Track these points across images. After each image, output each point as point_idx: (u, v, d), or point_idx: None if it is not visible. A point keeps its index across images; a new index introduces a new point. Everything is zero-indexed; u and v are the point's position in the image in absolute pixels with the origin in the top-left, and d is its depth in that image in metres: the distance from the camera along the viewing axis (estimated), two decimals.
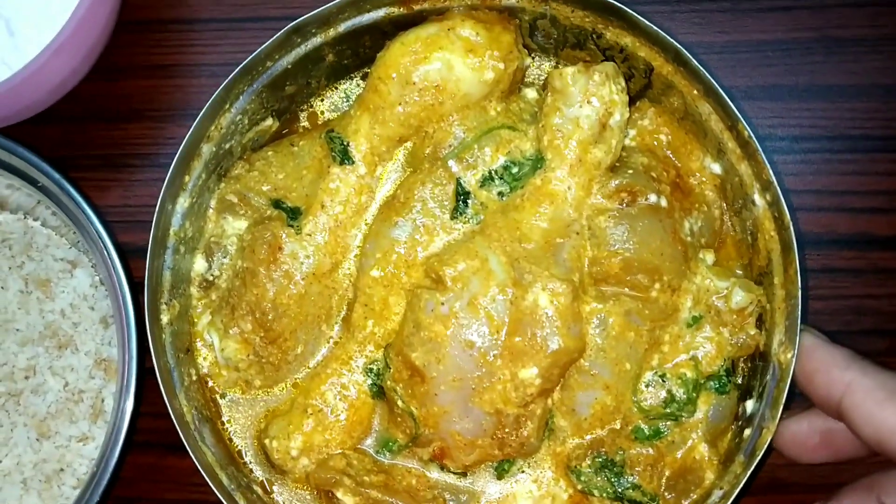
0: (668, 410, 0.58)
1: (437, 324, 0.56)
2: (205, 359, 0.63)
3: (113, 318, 0.64)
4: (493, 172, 0.60)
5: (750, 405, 0.59)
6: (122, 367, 0.57)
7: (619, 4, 0.59)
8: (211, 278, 0.63)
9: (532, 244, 0.58)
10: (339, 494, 0.58)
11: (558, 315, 0.55)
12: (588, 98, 0.58)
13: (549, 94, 0.59)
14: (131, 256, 0.64)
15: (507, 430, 0.57)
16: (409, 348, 0.56)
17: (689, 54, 0.58)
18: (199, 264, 0.63)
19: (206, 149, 0.62)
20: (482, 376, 0.55)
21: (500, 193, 0.60)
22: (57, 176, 0.58)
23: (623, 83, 0.59)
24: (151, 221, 0.59)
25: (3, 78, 0.61)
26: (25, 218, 0.66)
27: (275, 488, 0.62)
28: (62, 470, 0.61)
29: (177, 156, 0.59)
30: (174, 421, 0.56)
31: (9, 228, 0.66)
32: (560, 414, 0.59)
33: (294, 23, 0.60)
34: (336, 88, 0.67)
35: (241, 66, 0.60)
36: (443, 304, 0.55)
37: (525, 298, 0.56)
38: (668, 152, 0.63)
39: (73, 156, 0.71)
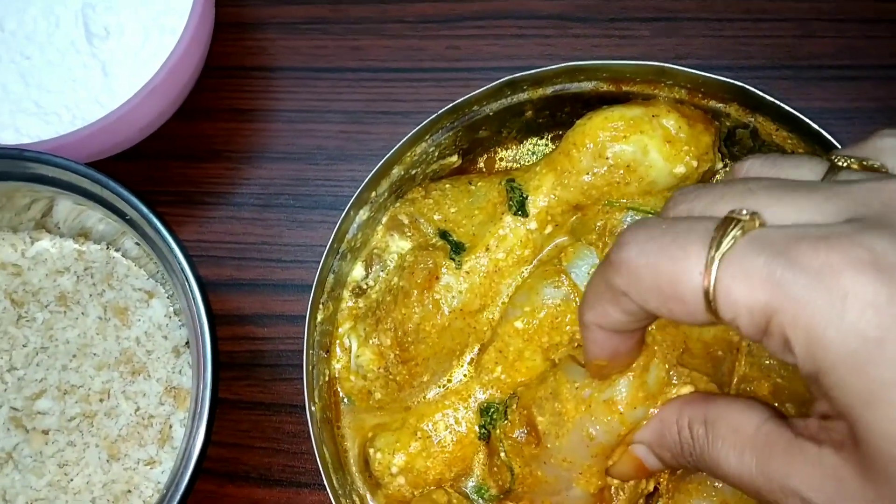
0: None
1: (572, 402, 0.55)
2: (338, 361, 0.63)
3: (184, 348, 0.66)
4: None
5: None
6: (196, 394, 0.58)
7: (831, 137, 0.58)
8: (364, 286, 0.64)
9: (695, 359, 0.56)
10: None
11: None
12: None
13: None
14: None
15: None
16: (538, 410, 0.55)
17: None
18: (357, 271, 0.64)
19: (396, 171, 0.63)
20: (593, 464, 0.54)
21: None
22: (145, 209, 0.60)
23: None
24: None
25: (99, 117, 0.65)
26: (108, 248, 0.69)
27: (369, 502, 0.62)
28: (129, 491, 0.63)
29: (371, 173, 0.61)
30: (308, 417, 0.57)
31: (92, 258, 0.69)
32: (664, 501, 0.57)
33: (510, 77, 0.62)
34: (523, 142, 0.68)
35: (452, 105, 0.62)
36: (586, 388, 0.55)
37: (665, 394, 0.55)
38: None
39: (152, 191, 0.74)
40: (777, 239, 0.36)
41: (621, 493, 0.56)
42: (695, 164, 0.60)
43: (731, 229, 0.37)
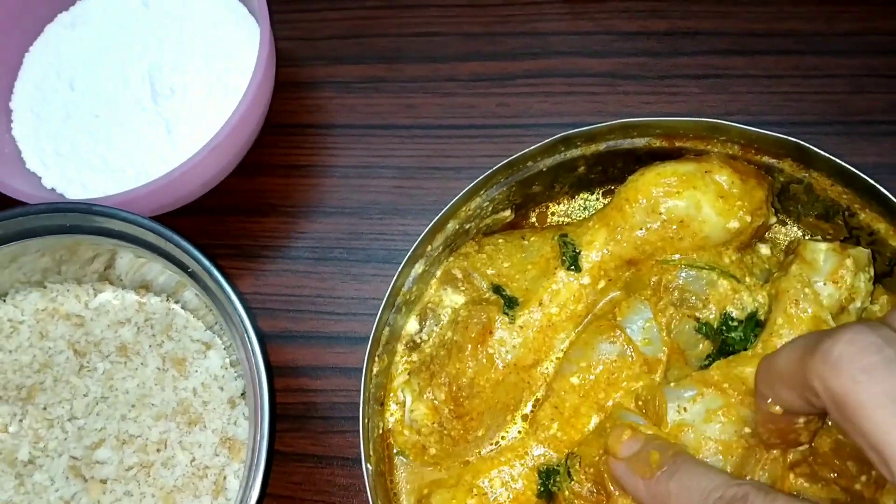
0: None
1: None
2: (391, 415, 0.63)
3: (239, 399, 0.67)
4: (728, 318, 0.58)
5: None
6: (252, 445, 0.58)
7: (885, 191, 0.57)
8: (418, 340, 0.64)
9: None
10: None
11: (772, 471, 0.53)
12: (835, 278, 0.56)
13: (797, 262, 0.57)
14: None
15: None
16: (606, 467, 0.54)
17: None
18: (411, 325, 0.64)
19: (451, 225, 0.63)
20: None
21: (732, 343, 0.58)
22: (206, 261, 0.61)
23: (872, 272, 0.57)
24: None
25: (162, 173, 0.67)
26: (168, 300, 0.70)
27: None
28: None
29: (428, 227, 0.61)
30: (364, 470, 0.57)
31: (152, 309, 0.70)
32: None
33: (565, 133, 0.62)
34: (575, 197, 0.68)
35: (507, 161, 0.62)
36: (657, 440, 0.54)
37: None
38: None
39: (210, 244, 0.75)
40: None
41: None
42: (748, 219, 0.59)
43: None
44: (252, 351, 0.59)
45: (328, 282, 0.74)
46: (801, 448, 0.54)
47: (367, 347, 0.60)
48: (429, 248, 0.63)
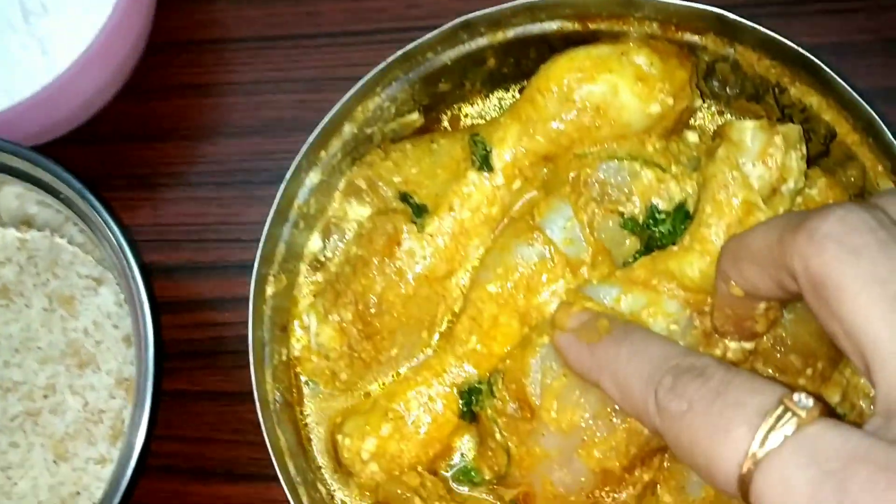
0: None
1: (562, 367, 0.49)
2: (298, 341, 0.58)
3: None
4: (655, 210, 0.53)
5: None
6: (138, 386, 0.53)
7: (816, 59, 0.52)
8: (323, 259, 0.59)
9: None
10: None
11: None
12: (764, 158, 0.51)
13: (723, 144, 0.52)
14: (160, 275, 0.64)
15: (606, 489, 0.49)
16: (527, 379, 0.50)
17: (883, 125, 0.51)
18: (314, 242, 0.59)
19: (348, 129, 0.57)
20: (597, 429, 0.49)
21: (660, 237, 0.53)
22: (82, 188, 0.56)
23: (805, 150, 0.52)
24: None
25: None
26: (52, 235, 0.64)
27: (338, 493, 0.56)
28: (78, 493, 0.58)
29: (316, 130, 0.55)
30: (255, 396, 0.52)
31: (35, 246, 0.64)
32: (667, 488, 0.51)
33: (464, 18, 0.56)
34: (489, 96, 0.62)
35: (401, 52, 0.56)
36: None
37: None
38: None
39: (104, 175, 0.69)
40: (833, 451, 0.32)
41: (630, 489, 0.50)
42: (670, 101, 0.54)
43: (784, 421, 0.33)
44: (135, 284, 0.53)
45: (233, 207, 0.68)
46: (745, 346, 0.50)
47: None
48: (323, 154, 0.57)
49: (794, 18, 0.67)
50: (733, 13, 0.55)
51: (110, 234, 0.55)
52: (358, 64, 0.70)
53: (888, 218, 0.36)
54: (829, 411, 0.34)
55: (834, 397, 0.50)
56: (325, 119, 0.55)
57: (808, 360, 0.49)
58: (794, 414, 0.33)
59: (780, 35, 0.55)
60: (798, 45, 0.53)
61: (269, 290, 0.55)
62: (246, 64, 0.71)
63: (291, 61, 0.71)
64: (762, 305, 0.45)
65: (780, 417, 0.33)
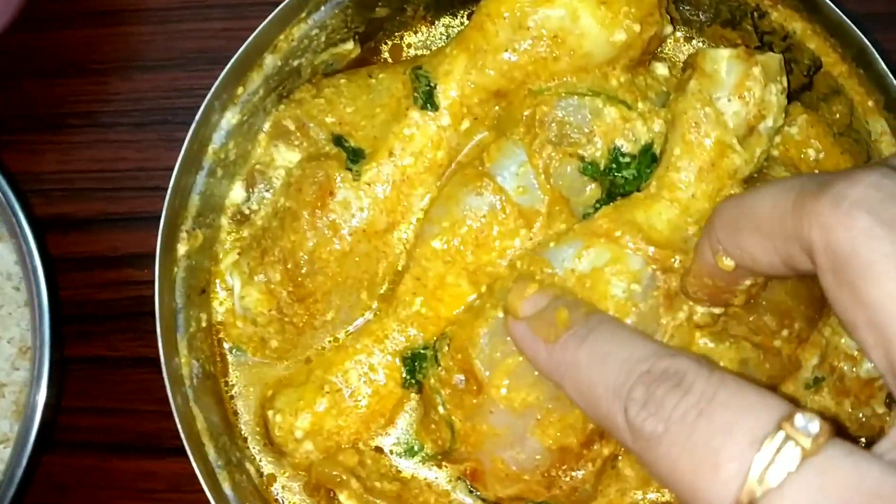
0: None
1: None
2: (221, 304, 0.52)
3: None
4: (618, 153, 0.47)
5: None
6: (35, 354, 0.48)
7: None
8: (247, 211, 0.52)
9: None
10: (341, 497, 0.47)
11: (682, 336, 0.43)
12: (741, 92, 0.45)
13: (695, 76, 0.46)
14: (71, 229, 0.58)
15: (563, 467, 0.44)
16: (475, 351, 0.44)
17: (877, 54, 0.45)
18: (236, 193, 0.52)
19: (270, 60, 0.50)
20: (554, 408, 0.43)
21: (624, 184, 0.47)
22: None
23: (786, 83, 0.46)
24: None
25: None
26: None
27: (269, 472, 0.51)
28: None
29: (231, 61, 0.48)
30: (163, 370, 0.45)
31: None
32: (628, 461, 0.46)
33: None
34: (435, 23, 0.55)
35: None
36: None
37: None
38: (816, 172, 0.50)
39: (4, 117, 0.62)
40: (848, 489, 0.26)
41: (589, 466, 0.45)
42: (637, 28, 0.48)
43: (785, 452, 0.27)
44: (25, 241, 0.47)
45: (150, 151, 0.62)
46: (714, 310, 0.45)
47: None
48: (241, 90, 0.49)
49: None
50: None
51: None
52: None
53: None
54: (837, 429, 0.28)
55: (812, 360, 0.46)
56: (240, 50, 0.47)
57: (784, 320, 0.44)
58: (797, 442, 0.27)
59: None
60: None
61: (182, 249, 0.48)
62: None
63: None
64: (748, 281, 0.39)
65: (779, 448, 0.27)
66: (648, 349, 0.34)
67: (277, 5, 0.61)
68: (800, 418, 0.28)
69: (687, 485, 0.29)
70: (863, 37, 0.45)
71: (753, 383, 0.32)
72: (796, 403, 0.34)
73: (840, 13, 0.45)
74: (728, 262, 0.37)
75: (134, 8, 0.64)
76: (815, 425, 0.28)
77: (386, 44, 0.55)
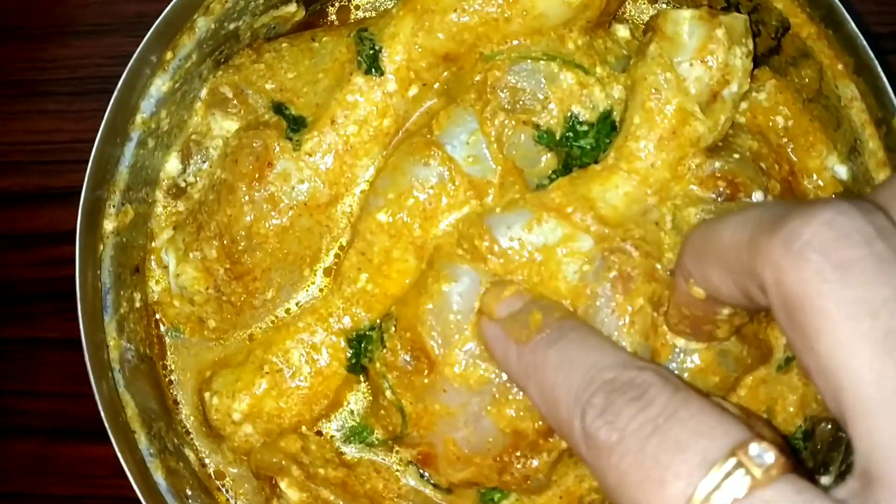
0: None
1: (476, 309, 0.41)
2: (157, 283, 0.49)
3: None
4: (575, 121, 0.45)
5: (824, 482, 0.44)
6: None
7: None
8: (183, 184, 0.49)
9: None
10: (282, 485, 0.45)
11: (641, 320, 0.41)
12: (703, 56, 0.42)
13: (655, 39, 0.43)
14: (6, 205, 0.56)
15: (516, 453, 0.42)
16: (424, 328, 0.42)
17: (847, 14, 0.42)
18: (171, 165, 0.49)
19: (203, 23, 0.47)
20: (512, 386, 0.41)
21: (581, 154, 0.45)
22: None
23: (751, 46, 0.44)
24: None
25: None
26: None
27: (210, 459, 0.48)
28: None
29: (156, 23, 0.44)
30: (86, 354, 0.43)
31: None
32: None
33: None
34: None
35: None
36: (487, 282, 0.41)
37: None
38: (785, 140, 0.47)
39: None
40: None
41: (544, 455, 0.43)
42: None
43: (734, 479, 0.26)
44: None
45: (89, 121, 0.58)
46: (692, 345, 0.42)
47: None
48: (171, 55, 0.46)
49: None
50: None
51: None
52: None
53: (890, 222, 0.28)
54: (793, 465, 0.27)
55: (782, 340, 0.43)
56: (164, 12, 0.44)
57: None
58: (748, 470, 0.26)
59: None
60: None
61: (109, 226, 0.46)
62: None
63: None
64: (726, 311, 0.37)
65: (729, 473, 0.26)
66: (616, 359, 0.33)
67: None
68: (754, 447, 0.27)
69: (632, 498, 0.28)
70: None
71: (714, 400, 0.32)
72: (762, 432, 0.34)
73: None
74: (698, 291, 0.36)
75: None
76: (769, 456, 0.26)
77: (332, 5, 0.52)
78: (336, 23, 0.52)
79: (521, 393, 0.41)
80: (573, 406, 0.32)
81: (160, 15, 0.58)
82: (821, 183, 0.47)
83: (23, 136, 0.59)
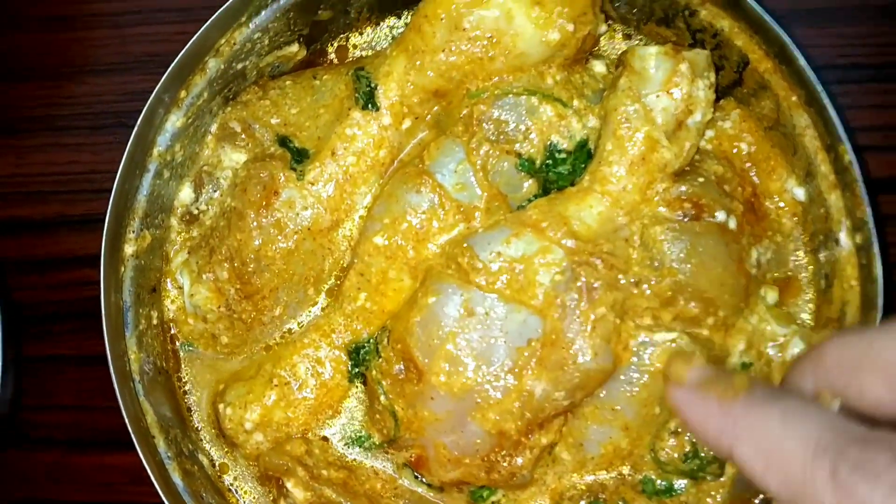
0: (687, 467, 0.47)
1: (459, 322, 0.46)
2: (172, 302, 0.53)
3: None
4: (554, 150, 0.49)
5: None
6: None
7: None
8: (196, 212, 0.53)
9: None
10: (288, 485, 0.49)
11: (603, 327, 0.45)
12: (669, 88, 0.47)
13: (625, 74, 0.48)
14: (27, 231, 0.60)
15: (502, 452, 0.46)
16: (413, 340, 0.46)
17: (797, 51, 0.47)
18: (185, 194, 0.53)
19: (213, 64, 0.51)
20: (493, 391, 0.45)
21: (558, 178, 0.49)
22: None
23: (713, 78, 0.48)
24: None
25: None
26: None
27: (221, 461, 0.52)
28: None
29: (171, 65, 0.49)
30: (111, 367, 0.47)
31: None
32: (565, 445, 0.48)
33: None
34: (379, 24, 0.57)
35: None
36: (472, 301, 0.45)
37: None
38: (748, 164, 0.52)
39: None
40: None
41: (527, 453, 0.47)
42: (570, 27, 0.49)
43: None
44: None
45: (105, 154, 0.63)
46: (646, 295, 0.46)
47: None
48: (184, 94, 0.51)
49: None
50: None
51: None
52: None
53: None
54: None
55: (738, 345, 0.47)
56: (179, 55, 0.49)
57: (709, 308, 0.46)
58: None
59: None
60: None
61: (129, 250, 0.50)
62: None
63: None
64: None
65: None
66: (846, 421, 0.32)
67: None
68: None
69: None
70: (783, 34, 0.47)
71: None
72: None
73: (761, 11, 0.47)
74: (834, 403, 0.36)
75: (86, 13, 0.64)
76: None
77: (332, 45, 0.57)
78: (335, 61, 0.57)
79: (500, 397, 0.45)
80: (815, 458, 0.31)
81: (168, 54, 0.63)
82: (781, 204, 0.51)
83: (43, 168, 0.62)
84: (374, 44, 0.57)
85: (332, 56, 0.57)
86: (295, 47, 0.55)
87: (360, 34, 0.57)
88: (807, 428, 0.32)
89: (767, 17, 0.47)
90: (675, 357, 0.40)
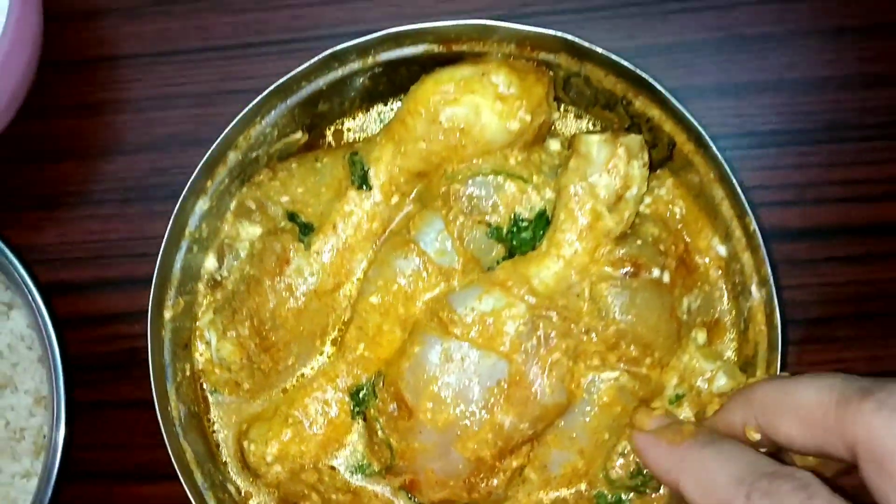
0: (633, 483, 0.57)
1: (440, 367, 0.55)
2: (201, 355, 0.63)
3: None
4: (518, 219, 0.59)
5: None
6: (53, 402, 0.58)
7: (651, 80, 0.58)
8: (219, 278, 0.63)
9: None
10: None
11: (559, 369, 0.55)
12: (608, 168, 0.57)
13: (574, 156, 0.58)
14: (71, 293, 0.67)
15: (480, 475, 0.56)
16: (403, 383, 0.56)
17: (709, 140, 0.57)
18: (209, 262, 0.63)
19: (232, 156, 0.62)
20: (470, 425, 0.55)
21: (522, 244, 0.59)
22: None
23: (646, 158, 0.58)
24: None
25: None
26: None
27: (246, 489, 0.62)
28: None
29: (200, 163, 0.59)
30: (158, 414, 0.57)
31: None
32: (532, 467, 0.58)
33: (333, 49, 0.60)
34: (369, 110, 0.67)
35: (276, 85, 0.60)
36: (450, 349, 0.55)
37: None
38: (680, 226, 0.62)
39: (7, 197, 0.72)
40: None
41: (501, 475, 0.57)
42: (528, 118, 0.59)
43: None
44: (37, 307, 0.58)
45: (135, 223, 0.72)
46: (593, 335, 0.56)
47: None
48: (209, 183, 0.61)
49: (654, 17, 0.72)
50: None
51: (6, 261, 0.59)
52: (249, 77, 0.74)
53: None
54: None
55: (672, 380, 0.58)
56: (206, 156, 0.59)
57: (646, 350, 0.56)
58: None
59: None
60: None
61: (167, 315, 0.60)
62: (137, 80, 0.74)
63: (182, 76, 0.74)
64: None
65: None
66: (769, 460, 0.40)
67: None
68: None
69: None
70: (699, 126, 0.57)
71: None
72: None
73: (681, 108, 0.57)
74: (755, 436, 0.44)
75: (113, 100, 0.73)
76: None
77: (329, 129, 0.67)
78: (332, 143, 0.67)
79: (476, 430, 0.55)
80: (735, 489, 0.38)
81: (186, 134, 0.73)
82: (707, 259, 0.61)
83: (82, 236, 0.71)
84: (364, 126, 0.67)
85: (330, 139, 0.67)
86: (298, 134, 0.65)
87: (353, 119, 0.67)
88: (732, 465, 0.41)
89: (685, 112, 0.57)
90: (639, 410, 0.52)
